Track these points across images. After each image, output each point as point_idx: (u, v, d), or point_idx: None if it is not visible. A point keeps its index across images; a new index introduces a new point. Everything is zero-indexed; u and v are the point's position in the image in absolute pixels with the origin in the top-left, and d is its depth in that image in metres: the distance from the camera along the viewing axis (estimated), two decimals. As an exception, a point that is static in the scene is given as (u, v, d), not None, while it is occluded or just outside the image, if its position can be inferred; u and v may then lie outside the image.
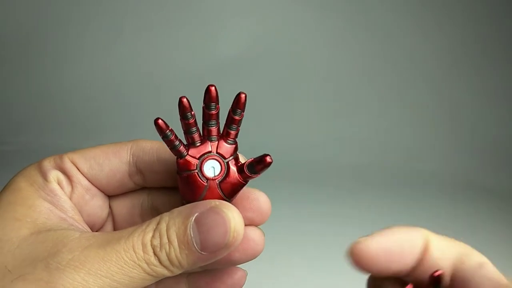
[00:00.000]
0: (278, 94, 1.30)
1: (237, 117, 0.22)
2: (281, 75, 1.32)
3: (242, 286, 0.25)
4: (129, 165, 0.24)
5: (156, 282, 0.24)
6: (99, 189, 0.25)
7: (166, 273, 0.21)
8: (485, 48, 1.32)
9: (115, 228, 0.27)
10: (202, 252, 0.20)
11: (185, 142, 0.23)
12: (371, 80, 1.33)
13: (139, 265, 0.20)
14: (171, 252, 0.20)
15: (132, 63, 1.31)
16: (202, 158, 0.23)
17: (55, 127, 1.20)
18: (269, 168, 0.22)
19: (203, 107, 0.22)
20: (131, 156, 0.24)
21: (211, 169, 0.23)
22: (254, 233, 0.24)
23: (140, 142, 0.25)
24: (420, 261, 0.20)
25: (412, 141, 1.24)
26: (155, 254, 0.20)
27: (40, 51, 1.28)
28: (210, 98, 0.22)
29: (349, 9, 1.33)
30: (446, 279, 0.20)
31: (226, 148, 0.23)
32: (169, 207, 0.23)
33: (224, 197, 0.23)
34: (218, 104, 0.22)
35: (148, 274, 0.20)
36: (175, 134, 0.22)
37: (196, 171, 0.23)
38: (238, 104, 0.22)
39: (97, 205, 0.25)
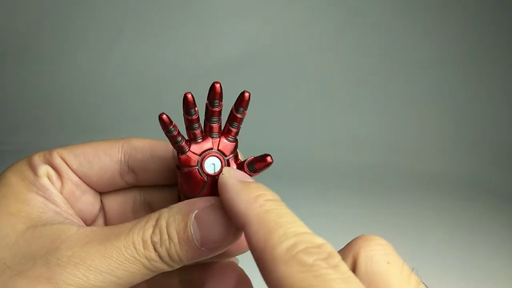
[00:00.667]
0: (278, 94, 1.30)
1: (239, 115, 0.23)
2: (281, 75, 1.32)
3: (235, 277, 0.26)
4: (120, 163, 0.24)
5: None
6: (89, 185, 0.25)
7: (165, 268, 0.21)
8: (488, 49, 1.32)
9: (106, 223, 0.27)
10: (202, 248, 0.21)
11: (186, 138, 0.23)
12: (372, 80, 1.33)
13: (139, 261, 0.20)
14: (172, 248, 0.20)
15: (131, 63, 1.31)
16: (203, 154, 0.23)
17: (55, 127, 1.20)
18: (268, 170, 0.23)
19: (206, 104, 0.22)
20: (123, 154, 0.24)
21: (212, 165, 0.23)
22: None
23: (132, 140, 0.25)
24: None
25: (413, 141, 1.24)
26: (155, 250, 0.20)
27: (40, 51, 1.28)
28: (214, 95, 0.22)
29: (349, 9, 1.33)
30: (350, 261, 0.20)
31: (227, 145, 0.23)
32: (162, 204, 0.23)
33: None
34: (221, 101, 0.22)
35: (148, 269, 0.20)
36: (178, 130, 0.23)
37: (197, 167, 0.23)
38: (241, 103, 0.22)
39: (88, 201, 0.25)
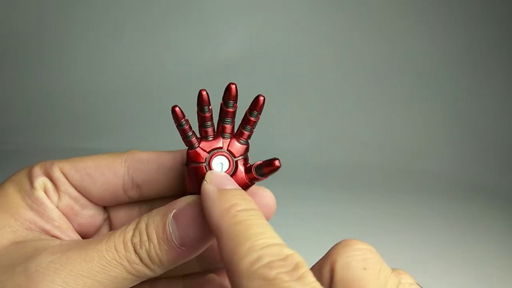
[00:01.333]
0: (278, 94, 1.30)
1: (253, 119, 0.23)
2: (281, 75, 1.32)
3: None
4: (124, 179, 0.24)
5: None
6: (90, 200, 0.24)
7: (147, 271, 0.21)
8: (489, 49, 1.32)
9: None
10: (182, 248, 0.20)
11: (198, 136, 0.23)
12: (372, 80, 1.33)
13: (120, 263, 0.20)
14: (151, 249, 0.20)
15: (131, 63, 1.31)
16: (212, 152, 0.23)
17: (55, 127, 1.20)
18: (277, 171, 0.23)
19: (221, 104, 0.23)
20: (126, 169, 0.24)
21: (219, 165, 0.23)
22: None
23: (135, 154, 0.24)
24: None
25: (413, 141, 1.24)
26: (135, 252, 0.20)
27: (40, 52, 1.28)
28: (229, 96, 0.22)
29: (350, 9, 1.33)
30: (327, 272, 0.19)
31: (237, 147, 0.23)
32: None
33: None
34: (236, 102, 0.23)
35: (130, 273, 0.20)
36: (190, 125, 0.23)
37: (204, 164, 0.23)
38: (255, 106, 0.22)
39: (89, 215, 0.25)
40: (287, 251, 0.17)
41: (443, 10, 1.32)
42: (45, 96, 1.24)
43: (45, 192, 0.23)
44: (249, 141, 0.24)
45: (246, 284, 0.16)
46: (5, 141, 1.13)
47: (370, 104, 1.30)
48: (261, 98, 0.22)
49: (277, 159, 0.22)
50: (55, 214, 0.23)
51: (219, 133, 0.23)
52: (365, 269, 0.18)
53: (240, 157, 0.23)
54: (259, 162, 0.23)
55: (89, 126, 1.21)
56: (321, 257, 0.20)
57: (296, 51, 1.33)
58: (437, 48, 1.33)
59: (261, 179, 0.23)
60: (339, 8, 1.33)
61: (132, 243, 0.20)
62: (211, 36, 1.33)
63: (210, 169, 0.23)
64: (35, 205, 0.22)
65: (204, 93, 0.22)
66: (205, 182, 0.21)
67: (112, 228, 0.26)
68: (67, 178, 0.23)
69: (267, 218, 0.24)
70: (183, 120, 0.22)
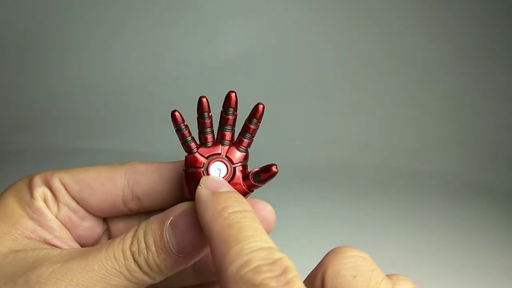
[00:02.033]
0: (278, 94, 1.30)
1: (252, 127, 0.23)
2: (281, 75, 1.32)
3: None
4: (124, 190, 0.24)
5: None
6: (89, 212, 0.24)
7: (147, 279, 0.21)
8: (489, 49, 1.32)
9: None
10: (179, 255, 0.20)
11: (197, 142, 0.23)
12: (372, 80, 1.33)
13: (120, 272, 0.20)
14: (149, 257, 0.20)
15: (132, 63, 1.31)
16: (211, 158, 0.23)
17: (55, 127, 1.20)
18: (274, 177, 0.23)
19: (221, 111, 0.23)
20: (127, 180, 0.24)
21: (217, 170, 0.23)
22: None
23: (136, 165, 0.24)
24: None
25: (413, 141, 1.24)
26: (134, 260, 0.20)
27: (40, 52, 1.28)
28: (229, 103, 0.23)
29: (350, 9, 1.33)
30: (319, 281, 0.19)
31: (236, 154, 0.23)
32: None
33: None
34: (236, 110, 0.23)
35: (130, 281, 0.20)
36: (189, 130, 0.23)
37: (202, 169, 0.23)
38: (255, 114, 0.23)
39: (87, 227, 0.25)
40: (277, 254, 0.17)
41: (443, 10, 1.32)
42: (45, 96, 1.24)
43: (45, 202, 0.23)
44: (249, 149, 0.24)
45: None
46: (5, 141, 1.13)
47: (370, 104, 1.30)
48: (261, 107, 0.23)
49: (274, 164, 0.22)
50: (55, 224, 0.23)
51: (219, 140, 0.23)
52: (355, 277, 0.18)
53: (238, 164, 0.23)
54: (256, 169, 0.23)
55: (89, 126, 1.21)
56: (320, 258, 0.20)
57: (296, 51, 1.34)
58: (437, 48, 1.33)
59: (259, 186, 0.23)
60: (339, 8, 1.33)
61: (130, 251, 0.20)
62: (211, 36, 1.33)
63: (208, 174, 0.23)
64: (35, 215, 0.22)
65: (204, 100, 0.22)
66: (200, 187, 0.21)
67: (111, 237, 0.26)
68: (66, 189, 0.23)
69: (267, 233, 0.24)
70: (182, 124, 0.22)
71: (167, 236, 0.20)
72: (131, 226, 0.25)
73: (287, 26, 1.34)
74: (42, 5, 1.27)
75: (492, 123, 1.28)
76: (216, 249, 0.18)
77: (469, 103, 1.30)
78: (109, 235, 0.26)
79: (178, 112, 0.22)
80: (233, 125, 0.23)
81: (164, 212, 0.21)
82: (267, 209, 0.24)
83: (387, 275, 0.20)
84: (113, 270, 0.20)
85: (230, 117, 0.23)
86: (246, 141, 0.23)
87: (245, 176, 0.23)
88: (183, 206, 0.21)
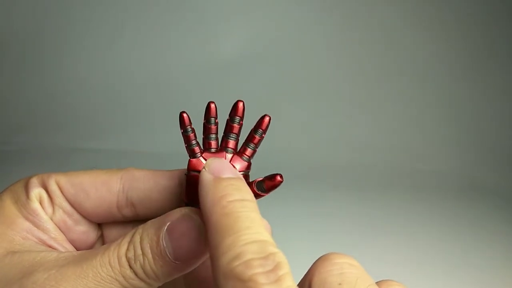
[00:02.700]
0: (278, 94, 1.30)
1: (257, 136, 0.23)
2: (281, 75, 1.32)
3: None
4: (118, 196, 0.24)
5: None
6: (83, 216, 0.24)
7: (143, 285, 0.20)
8: (489, 49, 1.32)
9: None
10: (176, 262, 0.20)
11: (202, 147, 0.23)
12: (372, 80, 1.33)
13: (116, 279, 0.20)
14: (146, 264, 0.20)
15: (131, 63, 1.31)
16: None
17: (55, 127, 1.20)
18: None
19: (227, 119, 0.23)
20: (122, 186, 0.24)
21: None
22: None
23: (132, 171, 0.24)
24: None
25: (413, 141, 1.24)
26: (130, 267, 0.20)
27: (40, 52, 1.28)
28: (236, 112, 0.23)
29: (350, 9, 1.33)
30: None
31: (239, 162, 0.23)
32: None
33: None
34: (242, 120, 0.23)
35: (126, 287, 0.20)
36: (195, 133, 0.23)
37: None
38: (261, 125, 0.23)
39: (81, 231, 0.24)
40: (270, 249, 0.16)
41: (442, 10, 1.32)
42: (45, 96, 1.24)
43: (41, 203, 0.23)
44: (252, 159, 0.23)
45: (222, 283, 0.16)
46: (5, 141, 1.13)
47: (370, 105, 1.30)
48: (267, 118, 0.23)
49: (279, 174, 0.22)
50: (50, 225, 0.23)
51: (223, 148, 0.23)
52: (340, 284, 0.18)
53: (241, 173, 0.23)
54: (260, 178, 0.22)
55: (89, 126, 1.21)
56: (320, 256, 0.20)
57: (296, 51, 1.34)
58: (436, 48, 1.33)
59: (263, 195, 0.22)
60: (338, 9, 1.33)
61: (126, 257, 0.20)
62: (211, 36, 1.33)
63: None
64: (30, 216, 0.22)
65: (213, 105, 0.22)
66: (204, 169, 0.20)
67: (105, 243, 0.26)
68: (62, 192, 0.23)
69: None
70: (189, 127, 0.22)
71: (164, 242, 0.20)
72: (125, 233, 0.25)
73: (287, 26, 1.34)
74: (42, 5, 1.27)
75: (492, 123, 1.28)
76: (211, 238, 0.17)
77: (469, 103, 1.30)
78: (103, 241, 0.26)
79: (187, 114, 0.22)
80: (238, 133, 0.23)
81: (161, 216, 0.21)
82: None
83: (379, 281, 0.19)
84: (108, 277, 0.19)
85: (236, 125, 0.23)
86: (250, 150, 0.23)
87: (248, 185, 0.23)
88: (181, 212, 0.21)
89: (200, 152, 0.23)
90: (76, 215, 0.24)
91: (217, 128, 0.23)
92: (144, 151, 1.13)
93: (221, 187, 0.19)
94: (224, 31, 1.34)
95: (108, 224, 0.25)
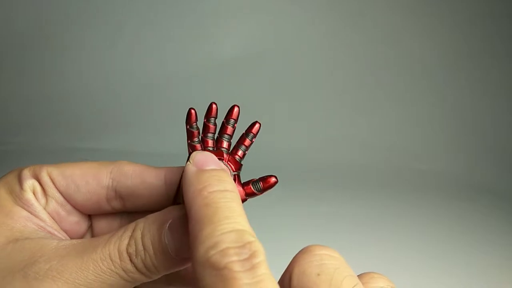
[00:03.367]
0: (278, 94, 1.30)
1: (248, 140, 0.24)
2: (281, 75, 1.32)
3: None
4: (108, 189, 0.24)
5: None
6: (74, 207, 0.25)
7: (144, 278, 0.21)
8: (488, 49, 1.32)
9: None
10: (177, 257, 0.20)
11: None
12: (372, 80, 1.33)
13: (116, 273, 0.20)
14: (147, 259, 0.20)
15: (130, 64, 1.31)
16: None
17: (55, 127, 1.20)
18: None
19: (223, 121, 0.24)
20: (111, 180, 0.24)
21: None
22: None
23: (121, 165, 0.24)
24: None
25: (414, 142, 1.24)
26: (131, 261, 0.20)
27: (40, 52, 1.28)
28: (231, 115, 0.24)
29: (349, 9, 1.33)
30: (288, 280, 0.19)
31: (235, 162, 0.24)
32: None
33: None
34: (236, 122, 0.24)
35: (126, 280, 0.20)
36: (199, 131, 0.24)
37: None
38: (252, 130, 0.24)
39: (74, 222, 0.25)
40: (247, 238, 0.16)
41: (442, 10, 1.32)
42: (45, 97, 1.24)
43: (34, 194, 0.23)
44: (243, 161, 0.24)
45: (199, 271, 0.16)
46: (5, 141, 1.13)
47: (370, 105, 1.31)
48: (257, 125, 0.24)
49: (274, 175, 0.23)
50: (45, 215, 0.23)
51: (219, 147, 0.24)
52: (319, 274, 0.18)
53: (236, 172, 0.24)
54: (255, 179, 0.23)
55: (89, 126, 1.21)
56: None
57: (295, 51, 1.34)
58: (436, 48, 1.33)
59: (258, 195, 0.23)
60: (337, 9, 1.33)
61: (127, 252, 0.20)
62: (211, 36, 1.33)
63: None
64: (25, 206, 0.23)
65: (214, 106, 0.24)
66: (188, 162, 0.20)
67: (93, 236, 0.26)
68: (54, 184, 0.24)
69: None
70: (195, 124, 0.24)
71: (166, 239, 0.20)
72: (112, 225, 0.26)
73: (287, 27, 1.34)
74: (42, 5, 1.27)
75: (492, 123, 1.28)
76: (191, 228, 0.18)
77: (469, 103, 1.30)
78: (92, 231, 0.26)
79: (195, 111, 0.24)
80: (231, 135, 0.24)
81: (162, 212, 0.21)
82: None
83: (361, 274, 0.19)
84: (109, 270, 0.20)
85: (230, 127, 0.24)
86: (241, 152, 0.24)
87: (244, 183, 0.23)
88: (182, 209, 0.21)
89: (202, 149, 0.24)
90: (69, 206, 0.24)
91: (215, 128, 0.24)
92: (143, 151, 1.13)
93: (203, 179, 0.19)
94: (224, 31, 1.34)
95: (97, 215, 0.26)
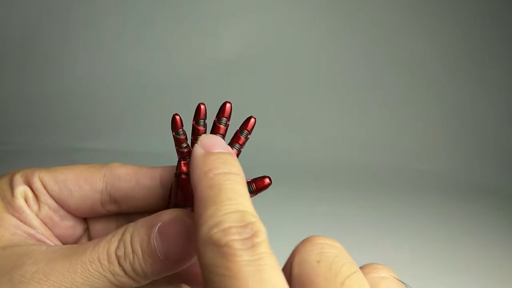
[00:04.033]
0: (278, 94, 1.30)
1: (242, 137, 0.23)
2: (281, 75, 1.32)
3: None
4: (102, 194, 0.24)
5: None
6: (68, 212, 0.24)
7: (132, 283, 0.20)
8: (488, 49, 1.32)
9: None
10: (166, 261, 0.20)
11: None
12: (372, 80, 1.33)
13: (104, 276, 0.20)
14: (135, 262, 0.20)
15: (130, 64, 1.31)
16: None
17: (55, 127, 1.20)
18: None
19: (214, 120, 0.23)
20: (105, 184, 0.24)
21: None
22: None
23: (114, 168, 0.24)
24: None
25: (414, 142, 1.24)
26: (119, 264, 0.20)
27: (40, 52, 1.28)
28: (223, 113, 0.23)
29: (349, 9, 1.33)
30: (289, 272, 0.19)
31: None
32: None
33: None
34: (228, 120, 0.23)
35: (114, 284, 0.20)
36: (187, 136, 0.23)
37: None
38: (246, 126, 0.23)
39: (68, 226, 0.24)
40: (250, 218, 0.17)
41: (442, 10, 1.32)
42: (45, 97, 1.24)
43: (26, 201, 0.23)
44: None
45: (201, 250, 0.16)
46: (5, 141, 1.13)
47: (370, 104, 1.31)
48: (252, 120, 0.23)
49: (268, 176, 0.22)
50: (36, 222, 0.23)
51: None
52: (318, 262, 0.18)
53: None
54: (249, 180, 0.23)
55: (89, 126, 1.21)
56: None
57: (295, 51, 1.34)
58: (436, 48, 1.33)
59: (251, 196, 0.22)
60: (338, 8, 1.33)
61: (116, 255, 0.20)
62: (210, 36, 1.33)
63: None
64: (16, 213, 0.22)
65: (203, 107, 0.23)
66: (196, 145, 0.20)
67: (90, 239, 0.26)
68: (46, 189, 0.23)
69: None
70: (181, 130, 0.23)
71: (155, 242, 0.20)
72: (109, 227, 0.25)
73: (287, 26, 1.34)
74: (42, 5, 1.27)
75: (492, 123, 1.28)
76: (196, 209, 0.18)
77: (469, 103, 1.30)
78: (89, 234, 0.26)
79: (179, 117, 0.22)
80: (224, 134, 0.23)
81: (152, 216, 0.21)
82: None
83: (363, 266, 0.19)
84: (97, 273, 0.20)
85: (223, 126, 0.23)
86: (235, 151, 0.23)
87: None
88: (172, 213, 0.21)
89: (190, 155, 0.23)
90: (62, 211, 0.24)
91: (205, 130, 0.23)
92: (143, 151, 1.13)
93: (209, 161, 0.19)
94: (224, 31, 1.34)
95: (92, 218, 0.26)
